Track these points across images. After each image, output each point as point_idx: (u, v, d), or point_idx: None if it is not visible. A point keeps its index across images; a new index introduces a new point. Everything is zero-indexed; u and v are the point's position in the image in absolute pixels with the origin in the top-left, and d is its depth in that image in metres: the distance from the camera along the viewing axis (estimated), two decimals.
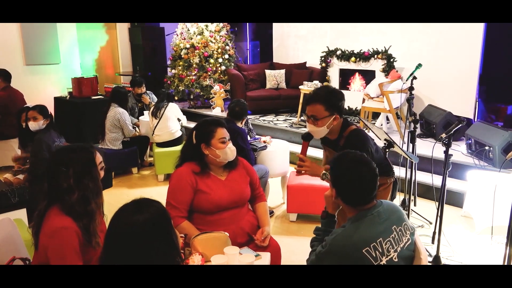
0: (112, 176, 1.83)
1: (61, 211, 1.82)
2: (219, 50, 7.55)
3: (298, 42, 7.83)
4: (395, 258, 1.66)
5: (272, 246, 2.42)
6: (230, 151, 2.39)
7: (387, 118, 6.00)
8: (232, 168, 2.47)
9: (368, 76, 6.61)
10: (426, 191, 4.39)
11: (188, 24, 7.52)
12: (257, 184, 2.61)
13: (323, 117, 2.31)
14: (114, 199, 4.63)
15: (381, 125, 5.86)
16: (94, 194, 1.87)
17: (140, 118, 5.65)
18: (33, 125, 3.75)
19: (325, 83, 6.74)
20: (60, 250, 1.76)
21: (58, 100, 7.01)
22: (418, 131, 4.45)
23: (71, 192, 1.82)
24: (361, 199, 1.71)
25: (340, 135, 2.42)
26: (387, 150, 3.21)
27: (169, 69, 7.97)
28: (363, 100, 5.93)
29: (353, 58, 6.67)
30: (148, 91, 6.16)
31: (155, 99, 5.90)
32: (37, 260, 1.86)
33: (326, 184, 2.16)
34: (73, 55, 7.61)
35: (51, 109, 6.66)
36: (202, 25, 7.46)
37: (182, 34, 7.59)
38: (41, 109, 3.81)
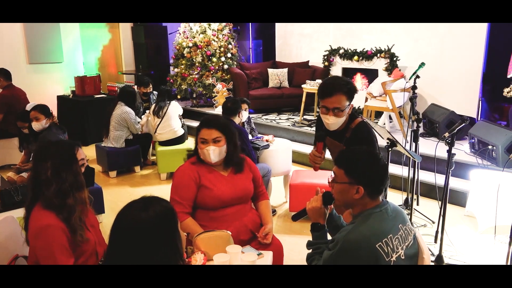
0: (94, 176, 1.85)
1: (42, 206, 1.82)
2: (222, 49, 7.55)
3: (301, 40, 7.82)
4: (402, 256, 1.66)
5: (275, 245, 2.42)
6: (207, 153, 2.33)
7: (390, 117, 5.98)
8: (235, 167, 2.46)
9: (371, 75, 6.60)
10: (429, 190, 4.38)
11: (191, 23, 7.53)
12: (260, 182, 2.61)
13: (345, 108, 2.36)
14: (116, 197, 4.65)
15: (384, 124, 5.85)
16: (74, 188, 1.86)
17: (142, 117, 5.65)
18: (36, 125, 3.76)
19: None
20: (48, 249, 1.76)
21: (61, 99, 7.04)
22: (421, 130, 4.45)
23: (49, 184, 1.81)
24: (382, 188, 1.73)
25: (347, 126, 2.46)
26: (390, 149, 3.21)
27: (171, 68, 7.98)
28: (366, 99, 5.91)
29: (356, 57, 6.66)
30: (154, 92, 6.15)
31: None
32: (31, 259, 1.87)
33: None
34: (76, 53, 7.63)
35: (54, 107, 6.69)
36: (204, 24, 7.46)
37: (184, 33, 7.59)
38: (41, 109, 3.81)
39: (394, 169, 4.53)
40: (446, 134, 2.91)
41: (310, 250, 1.93)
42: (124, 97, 5.25)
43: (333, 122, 2.38)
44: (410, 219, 3.55)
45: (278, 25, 8.14)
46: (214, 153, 2.34)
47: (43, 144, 1.93)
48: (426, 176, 4.47)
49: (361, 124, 2.48)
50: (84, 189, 1.93)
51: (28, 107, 4.97)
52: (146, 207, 1.36)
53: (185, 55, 7.49)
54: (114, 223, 1.37)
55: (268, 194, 4.06)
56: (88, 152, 6.21)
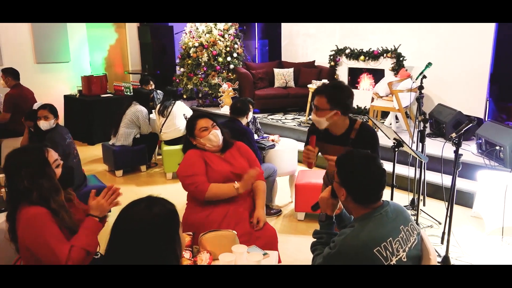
0: (73, 174, 1.86)
1: (28, 204, 1.83)
2: (228, 49, 7.55)
3: (307, 40, 7.81)
4: (404, 258, 1.65)
5: (268, 230, 2.55)
6: (213, 136, 2.64)
7: (396, 117, 5.96)
8: (227, 148, 2.73)
9: (377, 75, 6.57)
10: (436, 191, 4.35)
11: (197, 23, 7.54)
12: (255, 161, 2.79)
13: (323, 109, 2.43)
14: (122, 196, 4.63)
15: (390, 124, 5.82)
16: (51, 192, 1.87)
17: (150, 116, 5.69)
18: (44, 124, 3.77)
19: (338, 80, 6.71)
20: (39, 238, 1.77)
21: (67, 98, 7.08)
22: (427, 130, 4.43)
23: (30, 192, 1.83)
24: (373, 196, 1.70)
25: (350, 129, 2.50)
26: (397, 149, 3.19)
27: (177, 68, 8.00)
28: (372, 99, 5.89)
29: (362, 57, 6.64)
30: (158, 91, 6.20)
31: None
32: (25, 260, 1.88)
33: None
34: (82, 53, 7.67)
35: (61, 107, 6.74)
36: (211, 23, 7.47)
37: (191, 33, 7.61)
38: (51, 108, 3.83)
39: (401, 169, 4.51)
40: (453, 135, 2.89)
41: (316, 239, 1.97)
42: (138, 97, 5.41)
43: (313, 118, 2.50)
44: (416, 219, 3.53)
45: (284, 25, 8.13)
46: (218, 134, 2.66)
47: (11, 154, 1.91)
48: (432, 177, 4.44)
49: (364, 124, 2.52)
50: (61, 192, 1.93)
51: (35, 106, 5.00)
52: (149, 207, 1.35)
53: (191, 54, 7.50)
54: (116, 219, 1.36)
55: (274, 194, 4.10)
56: (94, 152, 6.24)
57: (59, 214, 1.87)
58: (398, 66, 6.22)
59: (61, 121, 4.00)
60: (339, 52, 6.94)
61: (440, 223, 3.78)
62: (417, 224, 3.51)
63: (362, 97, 6.58)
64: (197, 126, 2.64)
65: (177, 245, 1.39)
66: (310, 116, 6.47)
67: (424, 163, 3.84)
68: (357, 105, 6.80)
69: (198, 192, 2.52)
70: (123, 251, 1.32)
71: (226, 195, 2.55)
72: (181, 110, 5.30)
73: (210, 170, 2.58)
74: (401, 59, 6.23)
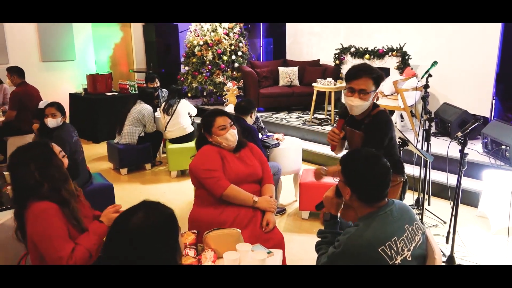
0: (78, 166, 1.87)
1: (37, 200, 1.85)
2: (232, 47, 7.55)
3: (312, 39, 7.79)
4: (408, 257, 1.64)
5: (276, 234, 2.52)
6: (230, 136, 2.61)
7: (402, 116, 5.94)
8: (241, 147, 2.72)
9: None
10: (441, 190, 4.34)
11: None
12: (265, 163, 2.81)
13: (370, 91, 2.41)
14: (127, 195, 4.68)
15: (395, 123, 5.80)
16: (61, 181, 1.90)
17: (155, 114, 5.72)
18: (52, 122, 3.79)
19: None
20: (45, 230, 1.79)
21: (73, 97, 7.11)
22: (433, 129, 4.40)
23: (40, 185, 1.84)
24: (377, 195, 1.70)
25: (368, 114, 2.50)
26: (402, 148, 3.18)
27: (182, 66, 8.01)
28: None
29: (367, 56, 6.62)
30: (163, 89, 6.22)
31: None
32: (32, 256, 1.89)
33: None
34: (88, 52, 7.70)
35: (66, 105, 6.77)
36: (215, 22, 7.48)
37: (195, 31, 7.61)
38: (58, 106, 3.86)
39: (406, 168, 4.47)
40: (459, 134, 2.88)
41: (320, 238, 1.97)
42: (144, 96, 5.46)
43: (357, 104, 2.42)
44: (422, 219, 3.52)
45: (288, 24, 8.11)
46: (235, 134, 2.64)
47: (15, 152, 1.93)
48: (438, 176, 4.43)
49: (382, 112, 2.51)
50: (70, 180, 1.97)
51: (41, 104, 5.03)
52: (147, 213, 1.29)
53: (196, 53, 7.51)
54: (111, 227, 1.32)
55: (278, 193, 4.10)
56: (99, 150, 6.27)
57: (69, 204, 1.89)
58: (404, 65, 6.19)
59: (66, 119, 4.03)
60: (344, 50, 6.92)
61: (445, 223, 3.77)
62: (422, 223, 3.50)
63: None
64: (215, 124, 2.60)
65: (177, 251, 1.34)
66: (315, 115, 6.47)
67: (429, 162, 3.82)
68: None
69: (217, 187, 2.48)
70: (120, 257, 1.26)
71: (242, 202, 2.53)
72: (185, 109, 5.31)
73: (226, 168, 2.56)
74: (406, 57, 6.20)
